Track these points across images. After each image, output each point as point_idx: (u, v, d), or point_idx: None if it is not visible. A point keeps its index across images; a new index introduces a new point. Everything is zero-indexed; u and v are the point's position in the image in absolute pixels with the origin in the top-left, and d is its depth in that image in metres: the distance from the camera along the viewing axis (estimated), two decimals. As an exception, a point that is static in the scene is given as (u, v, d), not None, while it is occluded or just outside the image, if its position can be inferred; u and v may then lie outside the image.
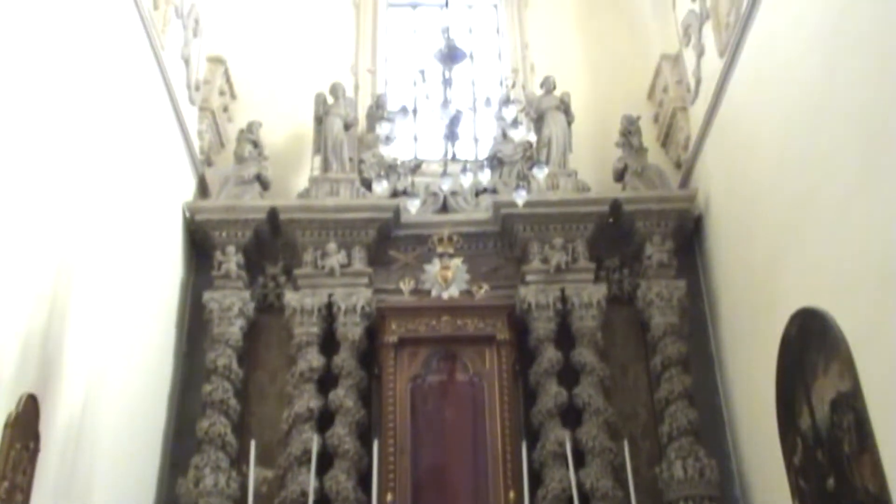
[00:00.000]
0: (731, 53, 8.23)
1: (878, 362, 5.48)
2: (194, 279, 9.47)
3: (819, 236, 6.48)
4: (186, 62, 9.37)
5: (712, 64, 8.89)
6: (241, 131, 10.03)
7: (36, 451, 5.66)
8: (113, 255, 7.20)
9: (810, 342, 6.39)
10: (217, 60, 10.33)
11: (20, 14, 5.52)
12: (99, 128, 6.87)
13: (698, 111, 9.41)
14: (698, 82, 9.47)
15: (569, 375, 8.84)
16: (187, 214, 9.32)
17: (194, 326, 9.25)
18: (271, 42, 11.07)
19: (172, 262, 9.06)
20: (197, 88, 9.71)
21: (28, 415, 5.51)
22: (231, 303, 9.00)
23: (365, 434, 8.61)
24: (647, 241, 9.33)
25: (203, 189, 9.89)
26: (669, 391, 8.68)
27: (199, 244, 9.49)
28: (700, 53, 9.35)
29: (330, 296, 9.08)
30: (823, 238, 6.39)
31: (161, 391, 8.64)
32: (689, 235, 9.64)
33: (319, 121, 10.03)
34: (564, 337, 9.04)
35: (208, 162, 10.09)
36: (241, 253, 9.26)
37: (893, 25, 5.33)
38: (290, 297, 9.11)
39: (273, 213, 9.39)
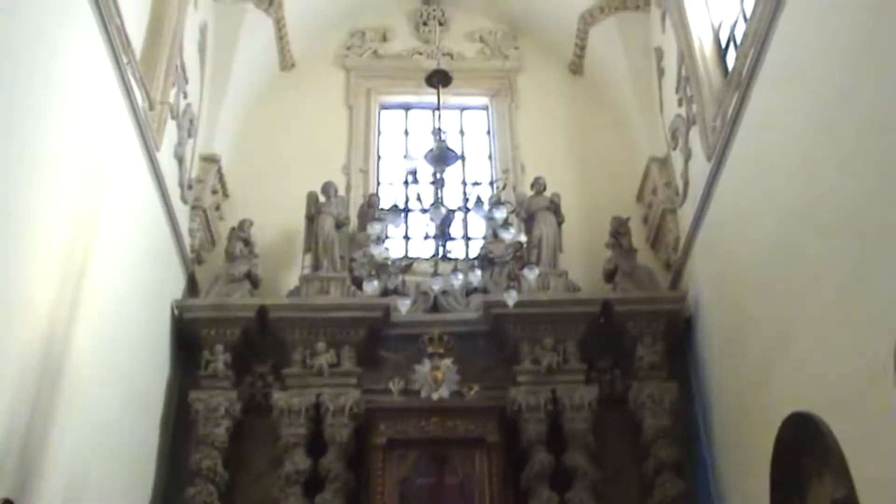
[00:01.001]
0: (719, 157, 8.36)
1: (873, 469, 5.40)
2: (180, 378, 9.33)
3: (810, 339, 6.46)
4: (180, 161, 9.43)
5: (700, 167, 9.02)
6: (233, 230, 10.05)
7: (11, 559, 5.49)
8: (98, 353, 7.13)
9: (804, 448, 6.30)
10: (210, 159, 10.39)
11: (15, 111, 5.58)
12: (90, 225, 6.88)
13: (687, 213, 9.51)
14: (686, 184, 9.59)
15: (560, 478, 8.68)
16: (176, 312, 9.25)
17: (179, 427, 9.07)
18: (265, 141, 11.19)
19: (159, 360, 8.96)
20: (189, 187, 9.77)
21: (3, 521, 5.37)
22: (218, 403, 8.85)
23: (352, 538, 8.41)
24: (639, 341, 9.29)
25: (193, 287, 9.83)
26: (663, 496, 8.52)
27: (187, 342, 9.38)
28: (687, 157, 9.50)
29: (318, 396, 8.96)
30: (815, 341, 6.37)
31: (143, 494, 8.42)
32: (680, 336, 9.59)
33: (311, 219, 10.05)
34: (556, 439, 8.90)
35: (199, 260, 10.06)
36: (229, 352, 9.16)
37: (879, 129, 5.42)
38: (278, 397, 8.98)
39: (262, 312, 9.34)
